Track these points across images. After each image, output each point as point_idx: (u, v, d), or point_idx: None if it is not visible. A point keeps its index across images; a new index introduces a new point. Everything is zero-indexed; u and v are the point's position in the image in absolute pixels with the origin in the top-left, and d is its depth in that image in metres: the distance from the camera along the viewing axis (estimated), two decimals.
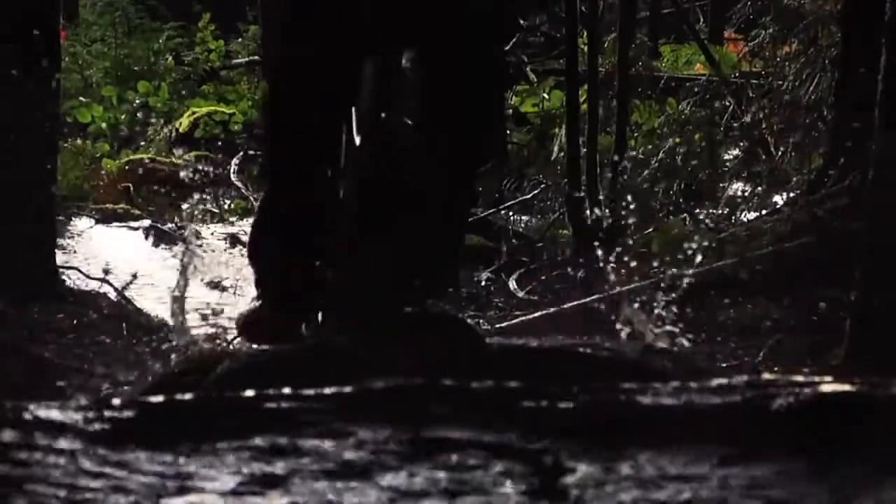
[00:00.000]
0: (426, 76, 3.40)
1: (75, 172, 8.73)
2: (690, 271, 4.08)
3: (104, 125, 10.41)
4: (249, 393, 1.78)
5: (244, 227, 7.40)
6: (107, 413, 1.69)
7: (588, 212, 6.13)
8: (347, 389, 1.77)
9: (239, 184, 8.72)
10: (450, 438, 1.62)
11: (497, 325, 5.16)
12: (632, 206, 5.79)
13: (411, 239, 3.31)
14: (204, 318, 4.72)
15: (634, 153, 6.94)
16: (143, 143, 10.18)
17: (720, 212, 6.65)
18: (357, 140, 3.33)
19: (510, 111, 8.58)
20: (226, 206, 8.48)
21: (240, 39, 11.97)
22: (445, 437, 1.63)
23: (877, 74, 4.10)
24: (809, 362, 4.38)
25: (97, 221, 8.00)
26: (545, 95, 8.74)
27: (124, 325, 4.92)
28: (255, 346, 3.47)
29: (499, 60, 3.54)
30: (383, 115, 3.30)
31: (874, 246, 4.07)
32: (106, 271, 5.61)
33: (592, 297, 5.08)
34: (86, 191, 8.71)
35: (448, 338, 3.17)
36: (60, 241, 6.35)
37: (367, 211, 3.32)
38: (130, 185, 8.76)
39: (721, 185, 7.01)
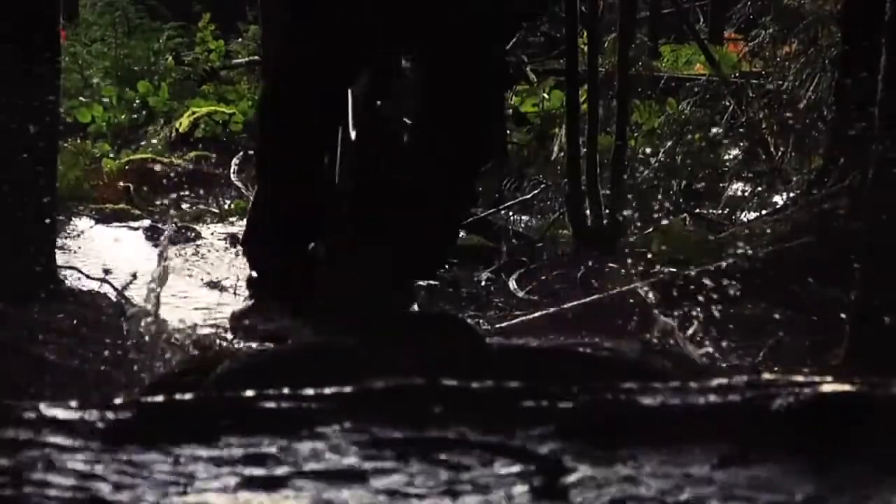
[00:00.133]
0: (426, 76, 3.41)
1: (75, 172, 8.72)
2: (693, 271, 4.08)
3: (104, 125, 10.41)
4: (249, 393, 1.78)
5: (244, 227, 7.38)
6: (107, 413, 1.69)
7: (588, 212, 6.13)
8: (347, 389, 1.77)
9: (239, 184, 8.72)
10: (450, 438, 1.62)
11: (497, 325, 5.15)
12: (632, 206, 5.79)
13: (411, 239, 3.31)
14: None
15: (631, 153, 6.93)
16: (143, 143, 10.18)
17: (720, 212, 6.65)
18: (357, 140, 3.33)
19: (510, 111, 8.57)
20: (226, 206, 8.47)
21: (240, 39, 11.97)
22: (445, 437, 1.63)
23: (877, 74, 4.10)
24: (809, 362, 4.37)
25: (97, 221, 7.99)
26: (545, 95, 8.73)
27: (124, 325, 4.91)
28: (247, 344, 3.47)
29: (499, 60, 3.55)
30: (383, 114, 3.30)
31: (874, 246, 4.07)
32: (106, 271, 5.60)
33: (592, 298, 5.08)
34: (86, 191, 8.70)
35: (448, 338, 3.18)
36: (60, 241, 6.34)
37: (366, 210, 3.33)
38: (130, 185, 8.75)
39: (721, 185, 7.01)
